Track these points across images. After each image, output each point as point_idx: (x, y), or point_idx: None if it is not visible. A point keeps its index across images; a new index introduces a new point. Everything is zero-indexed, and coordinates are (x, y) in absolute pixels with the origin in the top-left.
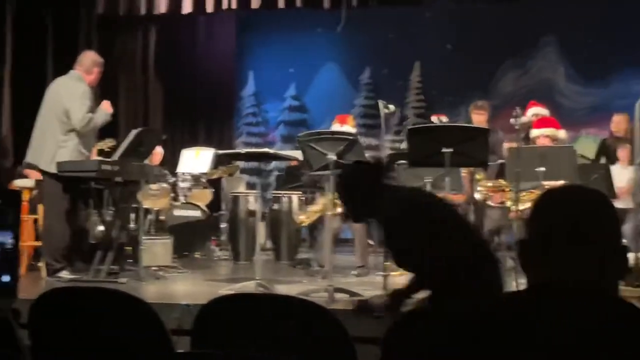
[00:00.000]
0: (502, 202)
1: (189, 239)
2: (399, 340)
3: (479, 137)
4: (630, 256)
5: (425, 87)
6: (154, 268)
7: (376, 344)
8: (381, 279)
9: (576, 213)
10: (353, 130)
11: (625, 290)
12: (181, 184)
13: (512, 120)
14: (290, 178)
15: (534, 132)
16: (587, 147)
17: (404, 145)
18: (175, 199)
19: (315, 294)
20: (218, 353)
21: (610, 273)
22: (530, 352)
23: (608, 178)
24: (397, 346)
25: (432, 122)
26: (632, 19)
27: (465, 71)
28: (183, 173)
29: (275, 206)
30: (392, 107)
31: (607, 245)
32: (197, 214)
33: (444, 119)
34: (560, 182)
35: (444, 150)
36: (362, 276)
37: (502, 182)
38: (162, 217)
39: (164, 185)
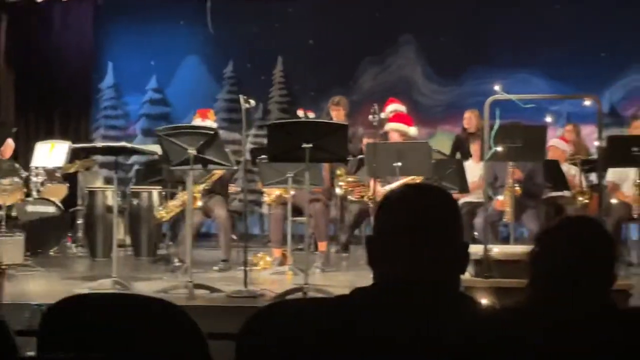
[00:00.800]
0: (362, 197)
1: (43, 236)
2: (252, 334)
3: (338, 132)
4: (480, 248)
5: (288, 82)
6: (3, 267)
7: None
8: (242, 273)
9: (418, 211)
10: (214, 124)
11: (475, 281)
12: (34, 179)
13: (370, 117)
14: (151, 172)
15: (387, 127)
16: (443, 143)
17: None
18: (28, 194)
19: (175, 291)
20: (60, 357)
21: (451, 269)
22: (371, 346)
23: (461, 172)
24: (250, 341)
25: (298, 117)
26: (484, 19)
27: (327, 66)
28: (36, 167)
29: (135, 201)
30: (252, 101)
31: (448, 241)
32: (51, 209)
33: (311, 114)
34: (414, 178)
35: (304, 145)
36: (225, 271)
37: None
38: (13, 213)
39: (16, 179)
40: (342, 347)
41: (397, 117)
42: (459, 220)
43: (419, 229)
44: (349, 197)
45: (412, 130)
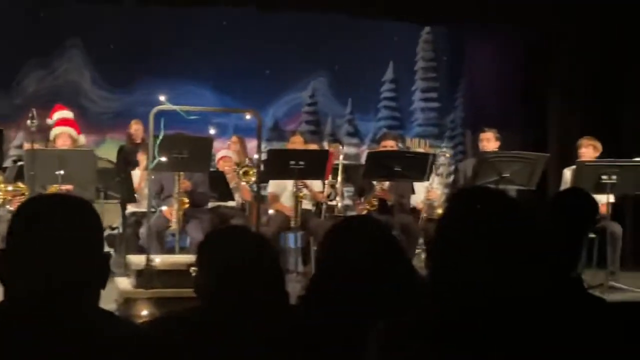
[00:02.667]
0: None
1: None
2: None
3: None
4: (142, 258)
5: None
6: None
7: None
8: None
9: (51, 222)
10: None
11: (137, 292)
12: None
13: (28, 122)
14: None
15: (55, 131)
16: (112, 151)
17: None
18: None
19: None
20: None
21: (89, 282)
22: None
23: (128, 182)
24: None
25: None
26: (151, 30)
27: None
28: None
29: None
30: None
31: (85, 254)
32: None
33: None
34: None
35: None
36: None
37: (20, 185)
38: None
39: None
40: None
41: (63, 123)
42: (96, 231)
43: (49, 241)
44: (8, 207)
45: (82, 138)
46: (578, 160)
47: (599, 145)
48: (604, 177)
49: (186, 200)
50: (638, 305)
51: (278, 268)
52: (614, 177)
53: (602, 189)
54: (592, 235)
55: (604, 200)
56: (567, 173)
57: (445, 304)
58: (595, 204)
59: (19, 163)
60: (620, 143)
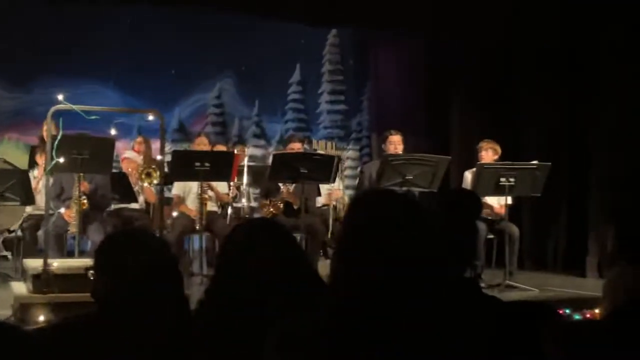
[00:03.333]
0: None
1: None
2: None
3: None
4: (39, 262)
5: None
6: None
7: None
8: None
9: None
10: None
11: (33, 297)
12: None
13: None
14: None
15: None
16: (11, 152)
17: None
18: None
19: None
20: None
21: None
22: None
23: (26, 183)
24: None
25: None
26: (55, 29)
27: None
28: None
29: None
30: None
31: None
32: None
33: None
34: None
35: None
36: None
37: None
38: None
39: None
40: None
41: None
42: None
43: None
44: None
45: None
46: (478, 162)
47: (498, 149)
48: (502, 179)
49: (85, 201)
50: (531, 302)
51: (177, 272)
52: (512, 179)
53: (501, 190)
54: (490, 237)
55: (502, 202)
56: (468, 175)
57: (343, 305)
58: (479, 201)
59: None
60: (519, 146)
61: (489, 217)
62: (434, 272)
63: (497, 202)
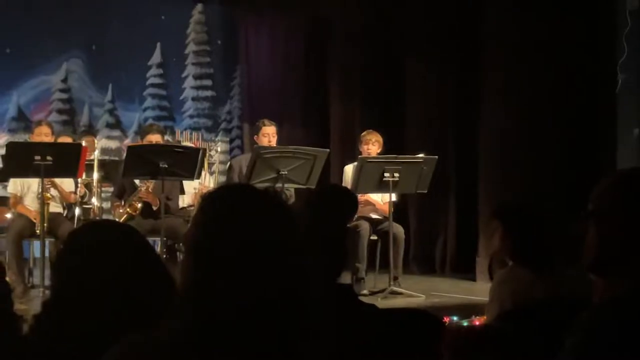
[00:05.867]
0: None
1: None
2: None
3: None
4: None
5: None
6: None
7: None
8: None
9: None
10: None
11: None
12: None
13: None
14: None
15: None
16: None
17: None
18: None
19: None
20: None
21: None
22: None
23: None
24: None
25: None
26: None
27: None
28: None
29: None
30: None
31: None
32: None
33: None
34: None
35: None
36: None
37: None
38: None
39: None
40: None
41: None
42: None
43: None
44: None
45: None
46: (360, 156)
47: (381, 140)
48: (386, 174)
49: None
50: (412, 310)
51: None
52: (397, 174)
53: (385, 187)
54: (374, 238)
55: (386, 199)
56: (348, 170)
57: (199, 314)
58: (353, 198)
59: None
60: (404, 139)
61: (373, 216)
62: (300, 276)
63: (380, 199)
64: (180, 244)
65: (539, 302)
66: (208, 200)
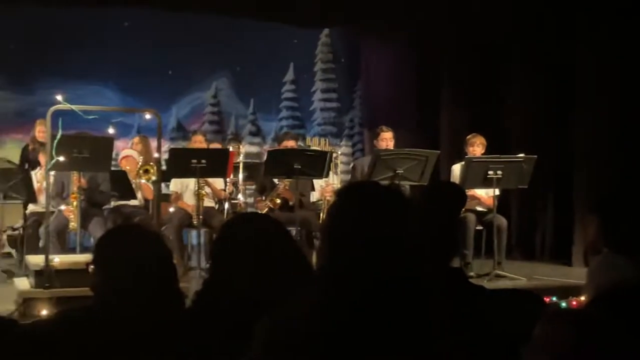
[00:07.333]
0: None
1: None
2: None
3: None
4: (41, 258)
5: None
6: None
7: None
8: None
9: None
10: None
11: (36, 292)
12: None
13: None
14: None
15: None
16: (14, 151)
17: None
18: None
19: None
20: None
21: None
22: None
23: (28, 182)
24: None
25: None
26: (58, 29)
27: None
28: None
29: None
30: None
31: None
32: None
33: None
34: None
35: None
36: None
37: None
38: None
39: None
40: None
41: None
42: None
43: None
44: None
45: None
46: (466, 156)
47: (485, 142)
48: (490, 172)
49: (75, 197)
50: (517, 290)
51: (171, 266)
52: (499, 172)
53: (489, 183)
54: (479, 228)
55: (490, 193)
56: (456, 169)
57: (332, 296)
58: (462, 193)
59: None
60: (506, 140)
61: (478, 209)
62: (417, 259)
63: (485, 194)
64: (315, 233)
65: (633, 287)
66: (342, 194)
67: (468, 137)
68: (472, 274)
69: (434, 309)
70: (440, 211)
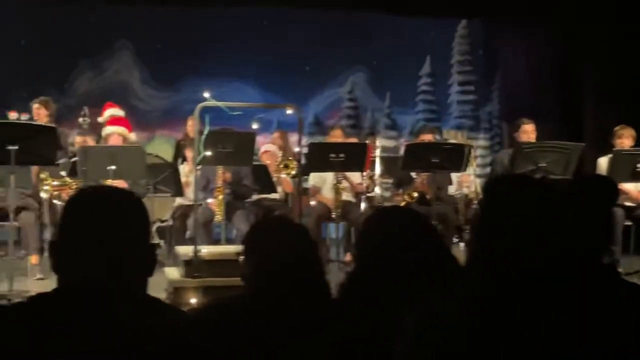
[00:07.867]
0: None
1: None
2: None
3: (45, 135)
4: (190, 249)
5: None
6: None
7: None
8: None
9: (100, 213)
10: None
11: (185, 281)
12: None
13: (80, 120)
14: None
15: (106, 131)
16: (161, 147)
17: None
18: None
19: None
20: None
21: (136, 270)
22: (54, 350)
23: (176, 176)
24: None
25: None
26: (198, 29)
27: (40, 68)
28: None
29: None
30: None
31: (131, 243)
32: None
33: (24, 116)
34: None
35: (9, 147)
36: None
37: (67, 179)
38: None
39: None
40: (22, 353)
41: (114, 121)
42: (144, 222)
43: (100, 231)
44: (55, 201)
45: (132, 135)
46: (615, 149)
47: (634, 135)
48: (639, 165)
49: (220, 190)
50: None
51: (318, 258)
52: None
53: (638, 177)
54: (628, 223)
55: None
56: (602, 162)
57: (480, 287)
58: (615, 187)
59: (73, 159)
60: None
61: (627, 204)
62: (570, 256)
63: (634, 188)
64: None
65: None
66: (492, 188)
67: (616, 128)
68: (620, 270)
69: (585, 306)
70: (592, 205)
